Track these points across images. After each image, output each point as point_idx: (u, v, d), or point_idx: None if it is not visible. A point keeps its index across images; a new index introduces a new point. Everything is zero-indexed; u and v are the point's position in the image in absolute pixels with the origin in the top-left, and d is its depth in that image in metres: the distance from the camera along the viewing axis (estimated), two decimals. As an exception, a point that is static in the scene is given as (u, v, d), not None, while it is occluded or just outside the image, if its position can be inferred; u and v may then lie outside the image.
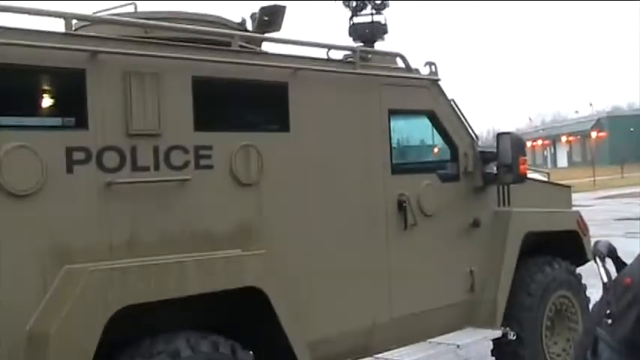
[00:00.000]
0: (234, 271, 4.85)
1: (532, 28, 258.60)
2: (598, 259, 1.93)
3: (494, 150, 6.70)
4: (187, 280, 4.56)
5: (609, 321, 1.77)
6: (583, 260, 7.76)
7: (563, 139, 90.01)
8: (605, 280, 1.87)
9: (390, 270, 6.12)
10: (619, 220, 23.46)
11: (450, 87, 7.02)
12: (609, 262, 1.93)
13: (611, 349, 1.76)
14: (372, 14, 6.55)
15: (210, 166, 4.97)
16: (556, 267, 7.37)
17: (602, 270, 1.90)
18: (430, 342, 6.39)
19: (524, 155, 6.69)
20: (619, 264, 1.90)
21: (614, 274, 1.89)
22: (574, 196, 8.95)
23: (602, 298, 1.86)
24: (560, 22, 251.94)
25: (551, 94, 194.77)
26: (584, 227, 7.83)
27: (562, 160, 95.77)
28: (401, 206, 6.15)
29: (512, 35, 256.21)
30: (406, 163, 6.84)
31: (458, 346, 6.32)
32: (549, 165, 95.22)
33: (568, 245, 7.70)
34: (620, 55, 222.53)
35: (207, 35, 5.26)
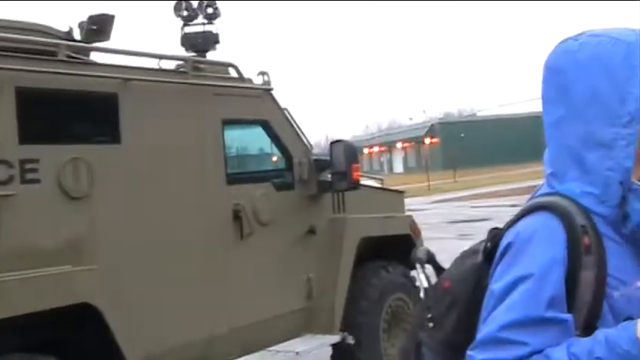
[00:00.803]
0: (65, 287, 4.70)
1: (366, 36, 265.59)
2: (418, 265, 1.98)
3: (328, 158, 6.81)
4: (13, 300, 4.37)
5: (430, 324, 1.82)
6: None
7: (399, 145, 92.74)
8: (426, 285, 1.93)
9: (228, 280, 6.10)
10: (452, 222, 24.40)
11: (284, 96, 7.12)
12: (429, 268, 1.98)
13: (432, 352, 1.82)
14: (203, 24, 6.49)
15: (37, 180, 4.78)
16: (391, 271, 7.56)
17: (422, 276, 1.96)
18: (269, 350, 6.41)
19: (357, 162, 6.84)
20: (438, 269, 1.96)
21: (434, 279, 1.94)
22: (410, 200, 9.23)
23: (422, 303, 1.92)
24: (392, 31, 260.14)
25: (386, 101, 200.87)
26: (416, 231, 8.08)
27: (398, 166, 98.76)
28: (237, 216, 6.15)
29: (348, 44, 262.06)
30: (241, 173, 6.83)
31: (297, 353, 6.37)
32: (386, 171, 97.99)
33: (402, 249, 7.91)
34: (451, 62, 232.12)
35: (31, 45, 5.07)
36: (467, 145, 79.74)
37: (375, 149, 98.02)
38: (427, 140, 74.94)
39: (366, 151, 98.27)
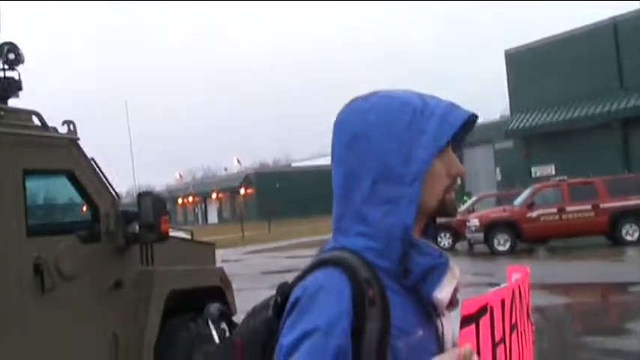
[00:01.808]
0: None
1: (182, 83, 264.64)
2: (210, 322, 1.97)
3: (136, 209, 6.68)
4: None
5: None
6: (230, 312, 7.95)
7: (214, 195, 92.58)
8: (218, 341, 1.96)
9: (27, 339, 5.79)
10: (265, 273, 24.49)
11: (93, 143, 6.91)
12: (223, 325, 1.98)
13: None
14: (4, 69, 6.23)
15: None
16: (200, 323, 7.45)
17: (214, 332, 2.00)
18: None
19: (166, 214, 6.75)
20: (232, 325, 1.97)
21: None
22: (224, 251, 9.20)
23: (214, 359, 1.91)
24: (206, 77, 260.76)
25: (201, 150, 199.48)
26: (227, 283, 8.05)
27: (213, 217, 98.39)
28: (37, 270, 5.88)
29: (158, 91, 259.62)
30: (43, 225, 6.57)
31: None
32: (200, 221, 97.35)
33: (214, 300, 7.84)
34: (265, 112, 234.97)
35: None
36: (282, 196, 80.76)
37: (190, 199, 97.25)
38: (242, 190, 75.29)
39: (180, 201, 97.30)
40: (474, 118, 1.78)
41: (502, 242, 24.36)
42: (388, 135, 1.69)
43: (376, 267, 1.66)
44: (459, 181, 1.81)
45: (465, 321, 1.49)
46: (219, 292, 7.89)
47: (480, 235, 24.53)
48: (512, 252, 23.94)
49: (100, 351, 6.51)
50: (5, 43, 6.21)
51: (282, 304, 1.71)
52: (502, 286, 1.71)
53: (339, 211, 1.76)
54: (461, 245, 27.38)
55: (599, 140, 35.18)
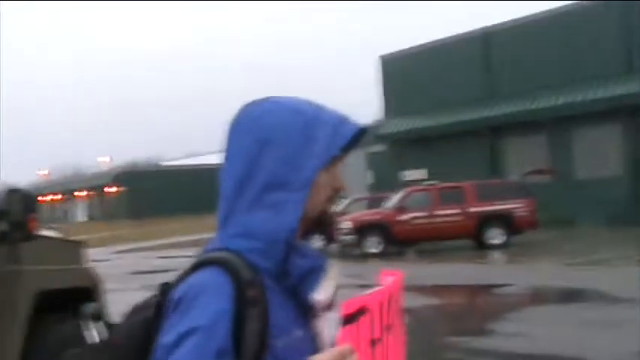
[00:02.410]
0: None
1: (42, 78, 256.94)
2: (87, 321, 1.96)
3: (3, 207, 6.41)
4: None
5: None
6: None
7: (83, 193, 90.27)
8: (97, 340, 1.93)
9: None
10: (135, 273, 24.08)
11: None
12: (100, 324, 1.96)
13: None
14: None
15: None
16: (68, 324, 7.25)
17: (93, 332, 1.97)
18: None
19: (35, 212, 6.51)
20: (109, 325, 1.96)
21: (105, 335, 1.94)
22: (93, 250, 8.96)
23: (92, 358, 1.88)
24: (80, 72, 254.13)
25: (68, 147, 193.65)
26: (97, 283, 7.84)
27: (82, 215, 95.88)
28: None
29: (26, 86, 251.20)
30: None
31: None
32: (69, 219, 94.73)
33: (85, 300, 7.64)
34: (137, 109, 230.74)
35: None
36: (153, 195, 79.55)
37: (58, 197, 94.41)
38: (113, 188, 73.79)
39: (48, 198, 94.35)
40: (364, 130, 1.84)
41: (373, 244, 24.80)
42: (281, 141, 1.74)
43: (258, 268, 1.70)
44: (339, 195, 1.87)
45: (345, 320, 1.56)
46: (89, 293, 7.69)
47: (352, 238, 24.90)
48: (383, 254, 24.40)
49: (-40, 354, 6.22)
50: None
51: (162, 303, 1.72)
52: (377, 288, 1.78)
53: (225, 212, 1.79)
54: (333, 247, 27.74)
55: (469, 146, 36.37)
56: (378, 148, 41.09)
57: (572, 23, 33.51)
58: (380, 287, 1.79)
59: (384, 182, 38.68)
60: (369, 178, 42.74)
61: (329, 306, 1.80)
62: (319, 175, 1.76)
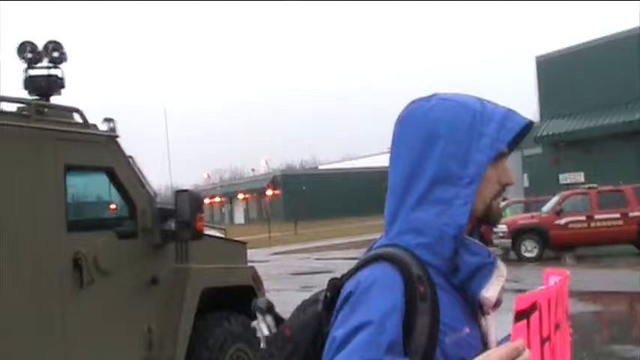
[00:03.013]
0: None
1: (204, 86, 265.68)
2: (259, 314, 2.02)
3: (173, 207, 6.77)
4: None
5: None
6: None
7: (241, 196, 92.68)
8: (267, 333, 1.97)
9: (67, 329, 5.92)
10: (293, 274, 24.56)
11: (130, 142, 7.02)
12: (269, 318, 2.01)
13: None
14: (48, 67, 6.36)
15: None
16: (233, 321, 7.55)
17: (262, 325, 2.00)
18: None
19: (202, 212, 6.84)
20: (278, 320, 2.01)
21: (274, 329, 1.98)
22: (251, 252, 9.26)
23: (264, 352, 1.94)
24: (234, 79, 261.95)
25: (228, 151, 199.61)
26: (259, 282, 8.12)
27: (239, 217, 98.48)
28: (77, 264, 6.01)
29: (188, 91, 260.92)
30: (83, 220, 6.69)
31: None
32: (227, 221, 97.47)
33: (244, 300, 7.91)
34: (294, 114, 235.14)
35: None
36: (308, 198, 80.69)
37: (217, 199, 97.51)
38: (269, 192, 75.39)
39: (207, 201, 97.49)
40: (530, 124, 1.84)
41: (529, 249, 24.23)
42: (449, 136, 1.75)
43: (427, 264, 1.71)
44: (506, 191, 1.87)
45: (518, 316, 1.52)
46: (251, 292, 7.96)
47: (508, 241, 24.42)
48: (539, 259, 23.80)
49: (135, 346, 6.62)
50: (50, 42, 6.34)
51: (332, 298, 1.75)
52: (545, 287, 1.73)
53: (393, 208, 1.81)
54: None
55: (627, 148, 34.87)
56: (535, 150, 40.07)
57: None
58: (547, 286, 1.73)
59: (540, 185, 37.64)
60: (525, 181, 41.75)
61: (497, 304, 1.78)
62: (487, 170, 1.76)
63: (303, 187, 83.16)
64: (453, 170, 1.74)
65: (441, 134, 1.75)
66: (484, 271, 1.76)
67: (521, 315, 1.54)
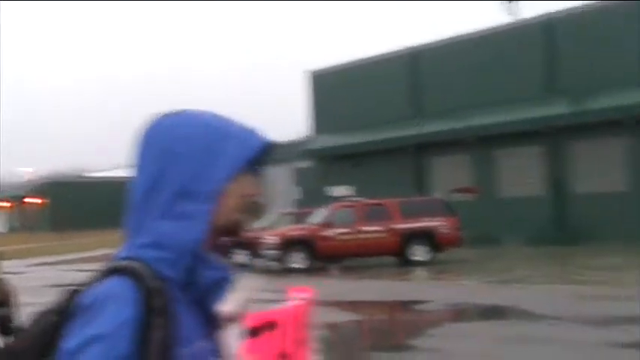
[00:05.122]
0: None
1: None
2: None
3: None
4: None
5: None
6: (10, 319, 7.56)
7: (2, 204, 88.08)
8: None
9: None
10: (54, 286, 23.52)
11: None
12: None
13: None
14: None
15: None
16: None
17: None
18: None
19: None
20: (18, 331, 1.90)
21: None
22: (9, 263, 8.66)
23: None
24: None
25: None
26: (10, 294, 7.58)
27: (2, 225, 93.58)
28: None
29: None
30: None
31: None
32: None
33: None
34: (60, 120, 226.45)
35: None
36: (77, 207, 78.13)
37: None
38: (33, 200, 72.29)
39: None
40: (272, 144, 1.88)
41: (298, 260, 24.73)
42: (187, 154, 1.77)
43: (165, 278, 1.71)
44: (255, 204, 1.90)
45: (250, 333, 1.58)
46: (1, 305, 7.43)
47: (276, 252, 24.79)
48: (307, 270, 24.33)
49: None
50: None
51: (66, 309, 1.71)
52: (286, 304, 1.82)
53: (134, 222, 1.83)
54: (259, 262, 27.57)
55: (395, 164, 36.73)
56: (306, 163, 41.17)
57: (497, 45, 34.23)
58: (288, 303, 1.83)
59: (311, 198, 38.72)
60: (296, 193, 42.77)
61: (234, 318, 1.85)
62: (227, 186, 1.79)
63: (70, 196, 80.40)
64: (192, 186, 1.77)
65: (178, 150, 1.78)
66: (222, 285, 1.80)
67: (254, 332, 1.62)
